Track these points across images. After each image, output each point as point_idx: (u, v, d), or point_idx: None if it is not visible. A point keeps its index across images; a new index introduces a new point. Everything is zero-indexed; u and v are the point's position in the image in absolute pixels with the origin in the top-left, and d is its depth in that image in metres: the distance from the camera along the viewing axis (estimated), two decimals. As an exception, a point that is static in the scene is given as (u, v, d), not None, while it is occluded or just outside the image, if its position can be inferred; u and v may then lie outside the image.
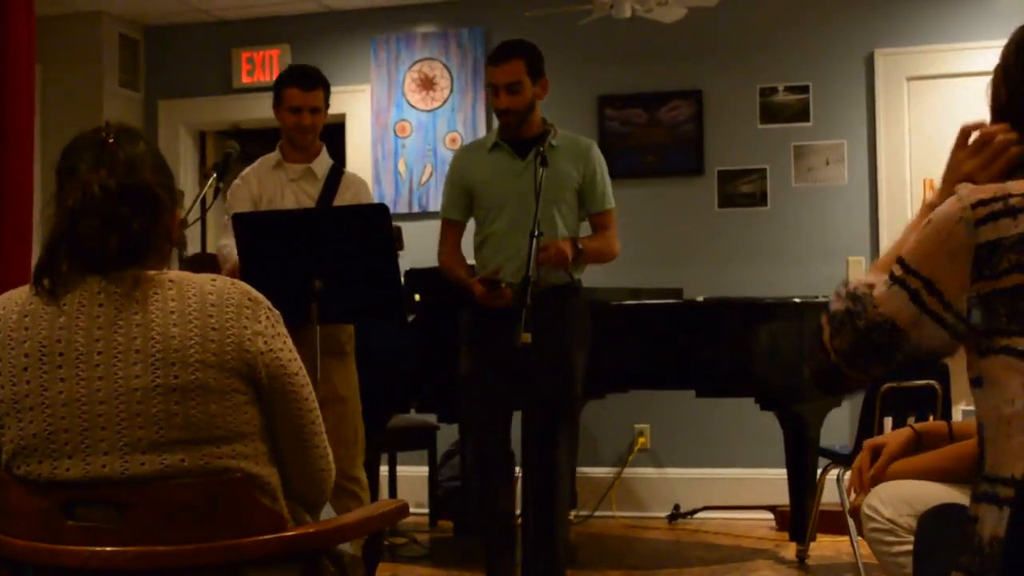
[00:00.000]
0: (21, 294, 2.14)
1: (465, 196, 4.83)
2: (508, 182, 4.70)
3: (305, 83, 4.74)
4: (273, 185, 4.76)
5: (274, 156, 4.82)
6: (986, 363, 1.94)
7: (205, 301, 2.09)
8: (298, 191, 4.74)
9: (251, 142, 7.59)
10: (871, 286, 2.02)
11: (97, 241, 2.08)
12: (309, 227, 4.27)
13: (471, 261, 4.89)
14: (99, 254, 2.09)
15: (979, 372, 1.97)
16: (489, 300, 4.56)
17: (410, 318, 5.46)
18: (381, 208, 4.27)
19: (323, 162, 4.82)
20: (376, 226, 4.16)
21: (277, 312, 2.19)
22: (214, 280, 2.14)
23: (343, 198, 4.71)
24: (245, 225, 4.27)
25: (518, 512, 4.76)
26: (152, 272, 2.12)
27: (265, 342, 2.12)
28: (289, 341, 2.19)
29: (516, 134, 4.73)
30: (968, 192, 1.99)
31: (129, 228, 2.09)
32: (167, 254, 2.24)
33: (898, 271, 1.98)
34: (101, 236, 2.08)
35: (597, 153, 4.81)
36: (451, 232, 4.88)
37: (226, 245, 4.60)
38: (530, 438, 4.59)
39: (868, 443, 2.74)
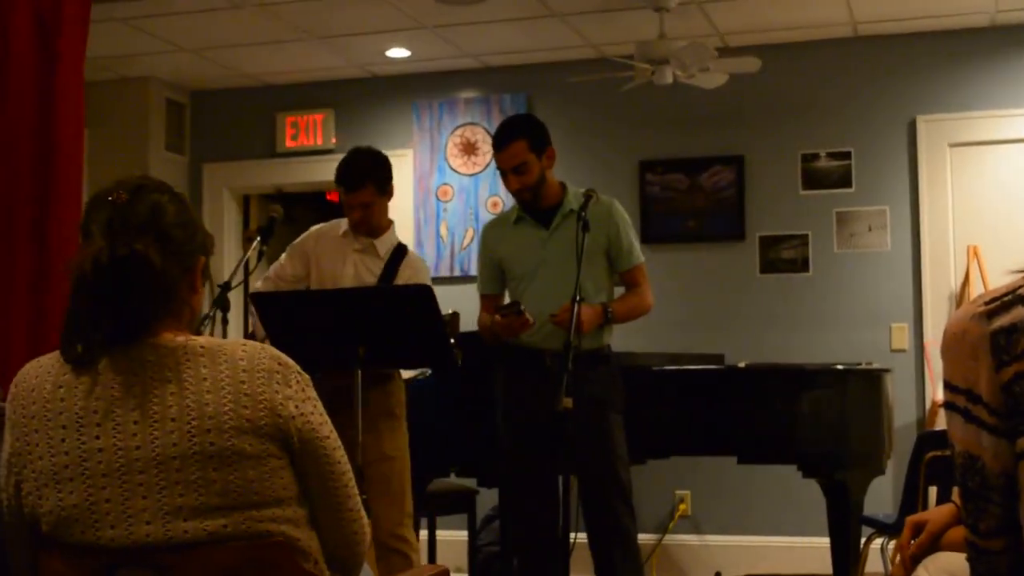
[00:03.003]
0: (52, 363, 2.14)
1: (496, 270, 4.87)
2: (535, 252, 4.73)
3: (350, 184, 4.72)
4: (334, 250, 4.82)
5: (344, 224, 4.87)
6: (1019, 472, 1.87)
7: (236, 367, 2.09)
8: (359, 263, 4.80)
9: (295, 206, 7.68)
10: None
11: (92, 318, 2.09)
12: (345, 304, 4.35)
13: None
14: (99, 330, 2.09)
15: (1016, 486, 1.87)
16: (511, 330, 4.57)
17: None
18: (425, 290, 4.29)
19: (388, 240, 4.85)
20: (421, 307, 4.19)
21: (306, 376, 2.19)
22: (244, 346, 2.13)
23: (401, 278, 4.75)
24: (263, 304, 4.36)
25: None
26: (182, 339, 2.12)
27: (296, 406, 2.12)
28: (319, 405, 2.19)
29: (536, 205, 4.75)
30: (979, 295, 1.96)
31: (122, 306, 2.08)
32: (194, 310, 2.24)
33: (947, 396, 1.94)
34: (95, 314, 2.08)
35: (619, 210, 4.79)
36: (488, 306, 4.90)
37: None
38: (587, 507, 4.60)
39: (910, 520, 2.69)
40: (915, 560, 2.58)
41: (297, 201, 8.18)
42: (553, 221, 4.73)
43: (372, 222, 4.80)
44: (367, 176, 4.73)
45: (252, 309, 4.73)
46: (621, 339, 6.34)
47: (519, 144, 4.65)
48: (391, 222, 4.92)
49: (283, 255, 4.92)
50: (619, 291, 4.94)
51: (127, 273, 2.07)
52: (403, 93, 7.70)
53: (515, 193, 4.74)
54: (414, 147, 7.64)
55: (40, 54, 4.62)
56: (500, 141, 4.71)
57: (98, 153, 7.48)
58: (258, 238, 4.59)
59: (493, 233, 4.93)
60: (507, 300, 4.84)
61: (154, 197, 2.17)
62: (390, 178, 4.79)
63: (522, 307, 4.53)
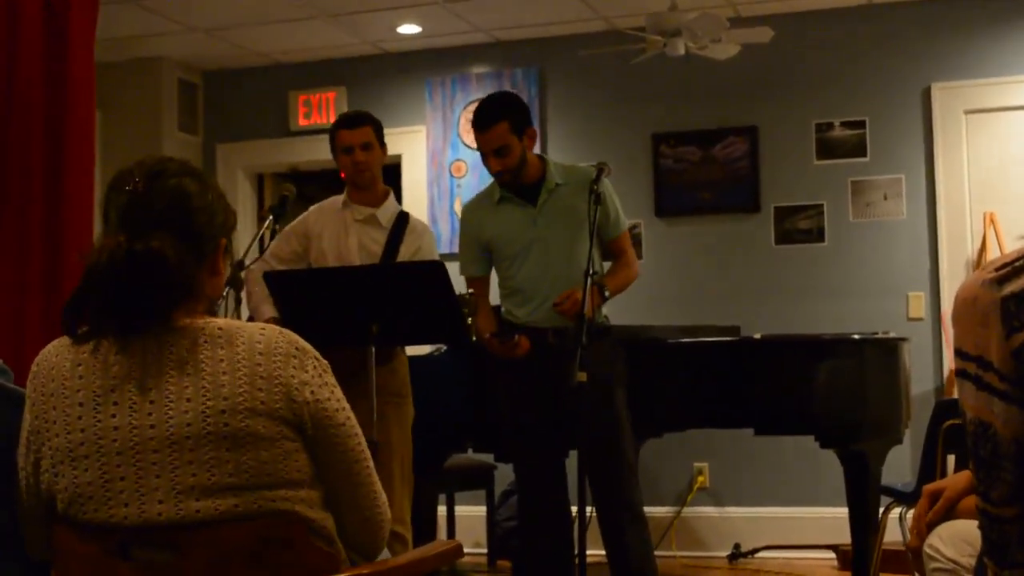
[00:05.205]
0: (72, 342, 2.15)
1: (483, 251, 4.85)
2: (525, 231, 4.71)
3: (351, 122, 4.84)
4: (336, 223, 4.84)
5: (341, 197, 4.90)
6: None
7: (253, 350, 2.09)
8: (362, 234, 4.80)
9: (308, 184, 7.68)
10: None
11: (104, 308, 2.10)
12: (358, 281, 4.35)
13: (495, 302, 4.93)
14: (111, 319, 2.10)
15: None
16: (505, 352, 4.60)
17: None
18: (437, 266, 4.29)
19: (389, 209, 4.87)
20: (435, 284, 4.19)
21: (325, 362, 2.19)
22: (263, 329, 2.14)
23: (407, 246, 4.75)
24: (276, 283, 4.36)
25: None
26: (201, 321, 2.12)
27: (312, 392, 2.12)
28: (337, 391, 2.18)
29: (518, 182, 4.73)
30: (989, 261, 1.94)
31: (135, 299, 2.08)
32: (216, 289, 2.25)
33: (958, 363, 1.92)
34: (106, 305, 2.09)
35: (605, 180, 4.77)
36: (477, 289, 4.91)
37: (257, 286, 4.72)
38: (594, 481, 4.60)
39: (927, 488, 2.69)
40: (931, 527, 2.58)
41: (311, 179, 8.18)
42: (539, 198, 4.70)
43: (375, 168, 4.82)
44: (367, 117, 4.87)
45: (247, 289, 4.70)
46: (638, 312, 6.35)
47: (501, 126, 4.61)
48: (388, 190, 4.94)
49: (277, 237, 4.90)
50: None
51: (142, 269, 2.07)
52: (415, 69, 7.68)
53: (495, 175, 4.71)
54: (427, 123, 7.62)
55: (49, 38, 4.62)
56: (480, 123, 4.65)
57: (111, 135, 7.50)
58: (271, 217, 4.61)
59: (477, 215, 4.88)
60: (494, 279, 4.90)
61: (172, 183, 2.17)
62: (383, 134, 4.89)
63: (517, 336, 4.58)
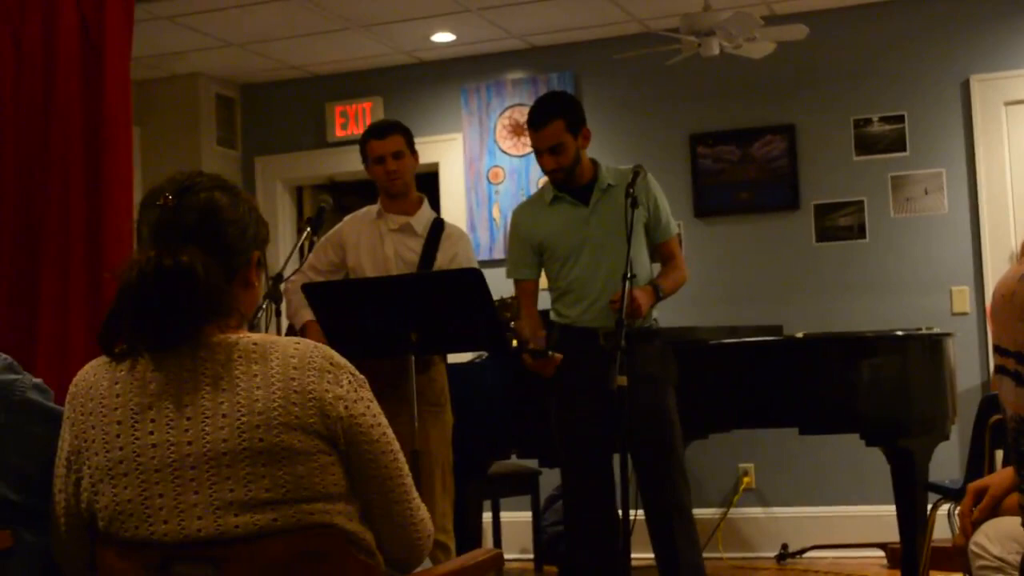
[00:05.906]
0: (108, 361, 2.16)
1: (534, 253, 4.83)
2: (578, 231, 4.70)
3: (380, 132, 4.86)
4: (371, 233, 4.85)
5: (376, 207, 4.91)
6: None
7: (288, 364, 2.09)
8: (398, 243, 4.80)
9: (347, 194, 7.72)
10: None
11: (136, 325, 2.10)
12: (396, 290, 4.34)
13: (543, 306, 4.91)
14: (143, 335, 2.11)
15: None
16: (537, 369, 4.60)
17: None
18: (473, 273, 4.26)
19: (423, 217, 4.87)
20: (472, 291, 4.17)
21: (361, 377, 2.18)
22: (297, 343, 2.14)
23: (444, 253, 4.75)
24: (315, 295, 4.38)
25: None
26: (235, 337, 2.13)
27: (346, 407, 2.11)
28: (373, 406, 2.17)
29: (571, 183, 4.72)
30: None
31: (166, 314, 2.08)
32: (251, 303, 2.26)
33: (997, 359, 1.90)
34: (139, 321, 2.10)
35: (655, 183, 4.77)
36: (525, 292, 4.84)
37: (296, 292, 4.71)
38: (646, 483, 4.59)
39: (971, 486, 2.66)
40: (976, 525, 2.56)
41: (349, 190, 8.21)
42: (592, 198, 4.70)
43: (407, 176, 4.83)
44: (396, 126, 4.89)
45: (286, 300, 4.71)
46: (680, 313, 6.32)
47: (556, 124, 4.63)
48: (422, 197, 4.94)
49: (314, 249, 4.91)
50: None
51: (171, 284, 2.07)
52: (450, 77, 7.70)
53: (549, 173, 4.73)
54: (463, 131, 7.63)
55: (86, 54, 4.65)
56: (536, 121, 4.68)
57: (151, 151, 7.56)
58: (308, 229, 4.63)
59: (529, 216, 4.88)
60: (544, 280, 4.89)
61: (202, 197, 2.17)
62: (413, 142, 4.91)
63: (550, 353, 4.55)
